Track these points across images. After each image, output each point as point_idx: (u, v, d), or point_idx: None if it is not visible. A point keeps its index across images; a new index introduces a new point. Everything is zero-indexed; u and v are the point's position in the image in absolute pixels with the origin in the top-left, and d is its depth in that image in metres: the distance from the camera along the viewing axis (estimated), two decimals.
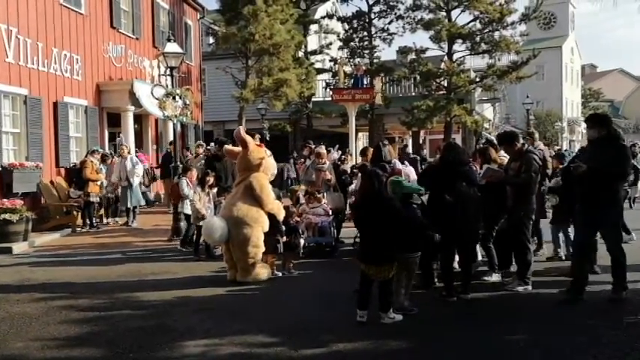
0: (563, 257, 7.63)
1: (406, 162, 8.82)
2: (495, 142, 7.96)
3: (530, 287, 6.23)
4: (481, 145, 9.24)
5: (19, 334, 5.12)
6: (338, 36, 25.85)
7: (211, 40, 24.54)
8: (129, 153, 12.56)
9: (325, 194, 9.20)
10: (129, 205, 11.97)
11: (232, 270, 6.98)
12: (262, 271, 6.96)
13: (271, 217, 7.07)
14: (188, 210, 9.18)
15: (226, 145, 8.00)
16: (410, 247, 5.40)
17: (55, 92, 12.71)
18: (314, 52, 26.08)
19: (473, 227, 6.00)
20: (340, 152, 11.79)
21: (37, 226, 10.71)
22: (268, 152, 7.37)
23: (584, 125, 49.71)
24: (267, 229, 6.99)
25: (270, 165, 7.30)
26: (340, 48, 26.03)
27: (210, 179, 8.79)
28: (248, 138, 7.10)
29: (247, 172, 7.07)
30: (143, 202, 12.45)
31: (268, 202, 6.99)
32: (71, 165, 12.88)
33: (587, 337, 4.75)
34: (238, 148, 7.27)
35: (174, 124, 12.90)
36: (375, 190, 5.32)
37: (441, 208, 5.87)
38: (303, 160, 12.20)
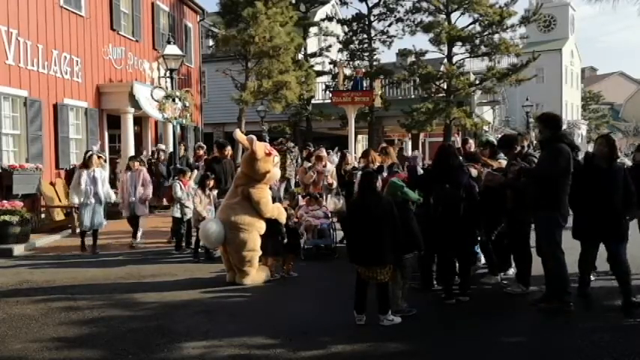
0: None
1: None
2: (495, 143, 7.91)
3: (529, 290, 6.23)
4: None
5: (18, 335, 5.12)
6: (337, 38, 25.88)
7: (211, 42, 24.54)
8: (100, 165, 9.63)
9: (325, 197, 9.21)
10: (86, 226, 9.19)
11: (231, 272, 7.00)
12: (260, 274, 6.98)
13: (273, 220, 7.08)
14: (178, 213, 9.18)
15: (238, 132, 7.46)
16: (402, 248, 5.39)
17: (55, 94, 12.71)
18: (313, 55, 26.12)
19: (465, 229, 5.90)
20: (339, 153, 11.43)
21: (36, 228, 10.71)
22: (276, 159, 7.31)
23: (584, 128, 49.89)
24: (263, 232, 6.99)
25: (273, 176, 7.28)
26: (340, 50, 26.08)
27: (211, 182, 8.80)
28: (258, 148, 6.94)
29: (250, 178, 7.00)
30: (105, 224, 9.59)
31: (267, 212, 6.99)
32: (71, 167, 12.87)
33: (587, 341, 4.76)
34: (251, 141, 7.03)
35: (173, 126, 12.92)
36: (370, 190, 5.33)
37: (428, 210, 5.93)
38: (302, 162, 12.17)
